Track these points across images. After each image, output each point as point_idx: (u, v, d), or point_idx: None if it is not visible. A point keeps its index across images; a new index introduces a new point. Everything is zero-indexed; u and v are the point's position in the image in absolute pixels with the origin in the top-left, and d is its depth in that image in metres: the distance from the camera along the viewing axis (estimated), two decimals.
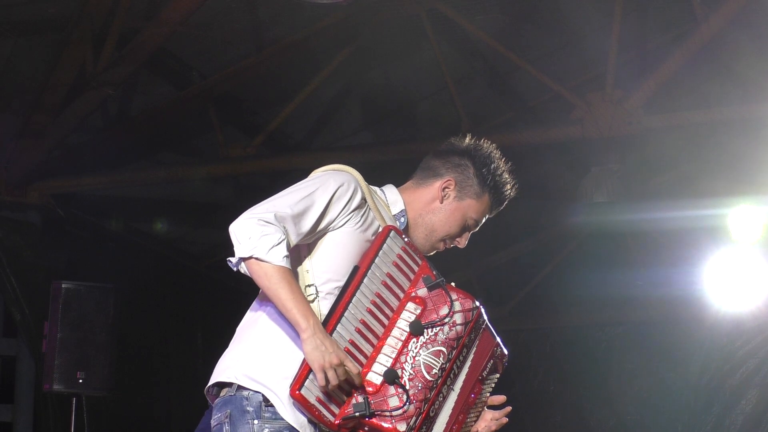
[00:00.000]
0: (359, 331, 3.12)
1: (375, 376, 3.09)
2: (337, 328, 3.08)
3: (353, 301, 3.12)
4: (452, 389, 3.25)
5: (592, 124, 6.95)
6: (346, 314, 3.10)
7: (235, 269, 3.13)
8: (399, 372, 3.10)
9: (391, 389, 3.08)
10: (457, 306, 3.24)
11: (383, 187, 3.42)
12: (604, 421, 9.83)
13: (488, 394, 3.43)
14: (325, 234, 3.21)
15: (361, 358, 3.10)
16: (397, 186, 3.45)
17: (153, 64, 6.72)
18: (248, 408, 3.11)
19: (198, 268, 8.97)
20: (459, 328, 3.23)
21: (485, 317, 3.35)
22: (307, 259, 3.20)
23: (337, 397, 3.05)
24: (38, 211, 7.34)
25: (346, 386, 3.04)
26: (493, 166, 3.40)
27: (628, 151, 7.32)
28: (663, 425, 9.44)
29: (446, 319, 3.21)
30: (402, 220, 3.37)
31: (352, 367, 3.03)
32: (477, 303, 3.31)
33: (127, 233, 8.32)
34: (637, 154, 7.61)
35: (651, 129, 7.00)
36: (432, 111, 7.77)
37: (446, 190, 3.39)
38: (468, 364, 3.29)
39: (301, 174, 3.35)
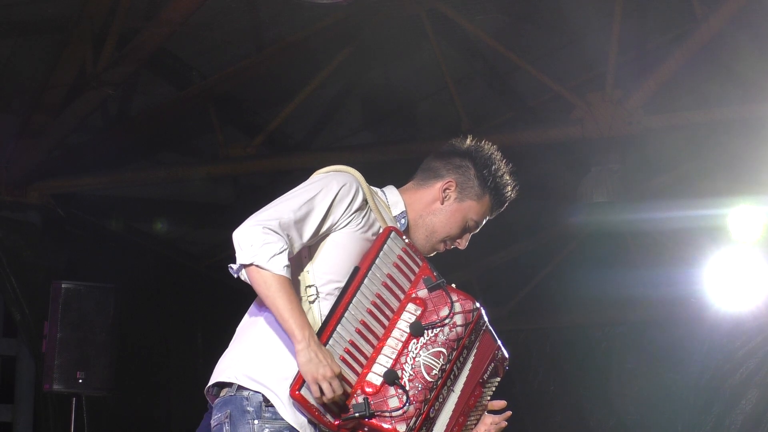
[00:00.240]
0: (359, 332, 3.12)
1: (375, 377, 3.09)
2: (337, 329, 3.08)
3: (353, 301, 3.12)
4: (452, 390, 3.25)
5: (592, 124, 6.95)
6: (346, 315, 3.10)
7: (235, 276, 3.13)
8: (399, 373, 3.10)
9: (391, 390, 3.08)
10: (458, 307, 3.24)
11: (384, 188, 3.42)
12: (604, 421, 9.83)
13: (489, 398, 3.43)
14: (327, 235, 3.21)
15: (361, 358, 3.10)
16: (397, 187, 3.45)
17: (153, 64, 6.72)
18: (248, 408, 3.11)
19: (198, 268, 8.97)
20: (459, 329, 3.23)
21: (485, 319, 3.35)
22: (307, 259, 3.20)
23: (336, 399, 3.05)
24: (38, 211, 7.35)
25: (342, 398, 3.04)
26: (494, 167, 3.40)
27: (628, 151, 7.32)
28: (663, 425, 9.44)
29: (446, 320, 3.21)
30: (403, 221, 3.37)
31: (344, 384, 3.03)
32: (477, 304, 3.31)
33: (127, 233, 8.32)
34: (637, 154, 7.61)
35: (651, 129, 7.00)
36: (432, 111, 7.77)
37: (447, 191, 3.39)
38: (468, 366, 3.29)
39: (301, 174, 3.35)
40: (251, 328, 3.22)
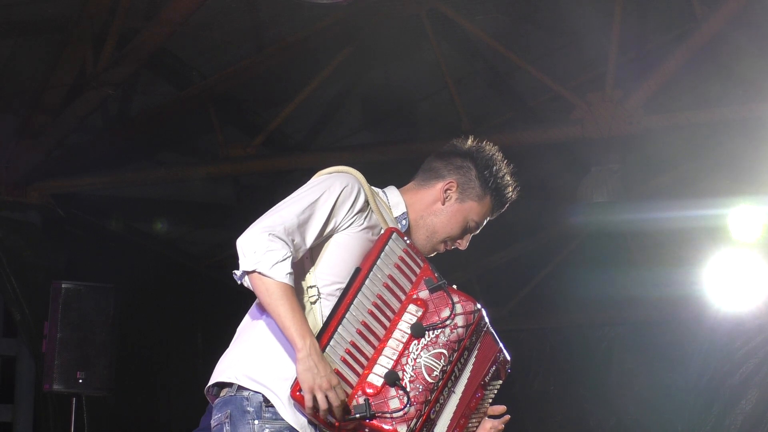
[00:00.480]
0: (360, 333, 3.11)
1: (376, 378, 3.09)
2: (339, 330, 3.08)
3: (355, 302, 3.12)
4: (453, 392, 3.24)
5: (592, 124, 6.95)
6: (347, 316, 3.10)
7: (239, 282, 3.13)
8: (400, 374, 3.10)
9: (392, 391, 3.08)
10: (459, 308, 3.23)
11: (385, 189, 3.42)
12: (604, 421, 9.84)
13: (490, 400, 3.43)
14: (329, 236, 3.21)
15: (362, 359, 3.10)
16: (398, 187, 3.45)
17: (153, 64, 6.72)
18: (248, 408, 3.11)
19: (198, 268, 8.97)
20: (460, 330, 3.23)
21: (487, 320, 3.35)
22: (309, 260, 3.20)
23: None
24: (38, 211, 7.35)
25: (339, 411, 3.03)
26: (495, 168, 3.40)
27: (628, 151, 7.33)
28: (663, 425, 9.45)
29: (447, 322, 3.21)
30: (404, 222, 3.37)
31: (340, 393, 3.03)
32: (479, 306, 3.30)
33: (127, 233, 8.32)
34: (637, 154, 7.61)
35: (651, 129, 7.00)
36: (432, 111, 7.77)
37: (448, 191, 3.39)
38: (469, 367, 3.29)
39: (302, 174, 3.35)
40: (252, 329, 3.22)
